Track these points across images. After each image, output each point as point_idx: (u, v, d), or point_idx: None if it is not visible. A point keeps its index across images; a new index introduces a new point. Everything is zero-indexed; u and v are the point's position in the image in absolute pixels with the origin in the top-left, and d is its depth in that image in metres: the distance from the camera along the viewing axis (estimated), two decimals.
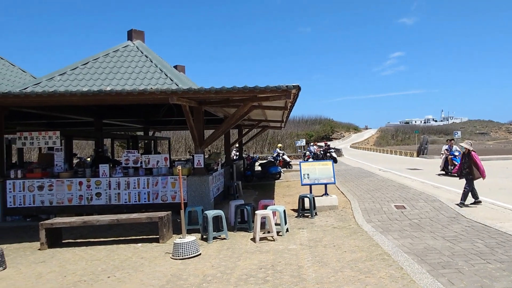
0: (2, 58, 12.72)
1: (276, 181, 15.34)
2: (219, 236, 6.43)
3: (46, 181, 8.10)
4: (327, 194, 9.06)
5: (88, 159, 16.13)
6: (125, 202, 8.15)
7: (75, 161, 12.77)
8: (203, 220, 6.52)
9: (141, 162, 8.34)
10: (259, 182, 15.00)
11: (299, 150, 32.63)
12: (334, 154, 24.89)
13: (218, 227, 6.49)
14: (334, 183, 9.42)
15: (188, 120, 7.79)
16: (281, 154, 21.62)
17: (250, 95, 7.14)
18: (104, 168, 8.17)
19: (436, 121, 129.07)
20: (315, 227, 7.02)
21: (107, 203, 8.12)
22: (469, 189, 8.47)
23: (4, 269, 5.08)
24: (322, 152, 25.01)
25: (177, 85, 8.83)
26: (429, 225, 6.77)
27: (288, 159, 21.89)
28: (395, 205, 8.52)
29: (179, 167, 6.04)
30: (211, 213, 6.33)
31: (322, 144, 28.24)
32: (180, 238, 5.48)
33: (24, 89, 8.59)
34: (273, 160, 20.56)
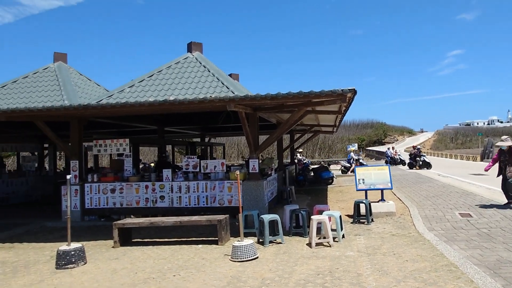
0: (81, 74, 14.29)
1: (328, 186, 15.17)
2: (275, 240, 6.53)
3: (117, 185, 8.87)
4: (384, 200, 8.79)
5: (152, 164, 17.29)
6: (185, 205, 8.63)
7: (140, 166, 13.78)
8: (259, 224, 6.68)
9: (199, 167, 8.79)
10: (311, 187, 14.92)
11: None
12: (427, 159, 21.52)
13: (273, 231, 6.61)
14: (391, 189, 9.11)
15: (244, 126, 8.05)
16: (355, 158, 21.05)
17: (305, 100, 7.20)
18: (167, 172, 8.75)
19: (501, 122, 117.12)
20: (372, 234, 6.86)
21: (170, 205, 8.67)
22: None
23: (85, 264, 5.67)
24: (411, 157, 21.82)
25: (233, 93, 9.19)
26: (501, 235, 6.27)
27: (365, 162, 21.28)
28: (459, 213, 8.01)
29: (237, 172, 6.27)
30: (267, 217, 6.47)
31: (385, 147, 27.00)
32: (239, 241, 5.66)
33: (100, 101, 9.54)
34: (347, 163, 20.10)
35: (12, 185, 13.26)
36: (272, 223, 6.61)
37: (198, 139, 19.15)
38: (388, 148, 26.95)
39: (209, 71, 10.52)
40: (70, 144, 9.06)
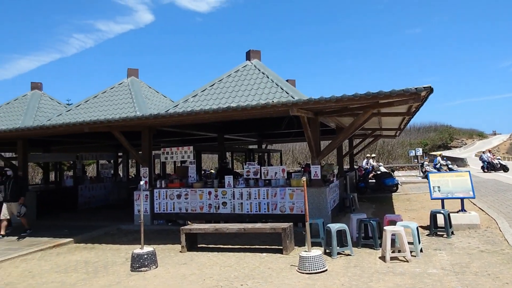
0: (150, 87, 15.50)
1: (393, 194, 14.25)
2: (343, 251, 6.17)
3: (183, 191, 9.14)
4: (464, 210, 7.92)
5: (212, 170, 17.78)
6: (247, 211, 8.58)
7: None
8: (326, 233, 6.37)
9: (260, 174, 8.71)
10: (374, 195, 14.15)
11: (415, 160, 29.47)
12: None
13: (341, 242, 6.25)
14: (473, 197, 8.18)
15: (306, 131, 7.83)
16: (443, 163, 19.29)
17: (372, 101, 6.77)
18: (229, 179, 8.81)
19: None
20: (455, 249, 6.16)
21: (232, 212, 8.70)
22: None
23: (156, 268, 5.82)
24: None
25: (293, 98, 9.02)
26: None
27: (454, 168, 19.43)
28: None
29: (304, 178, 6.04)
30: (334, 227, 6.14)
31: (451, 151, 24.12)
32: (305, 251, 5.42)
33: (167, 110, 10.03)
34: (435, 169, 18.63)
35: (93, 190, 14.78)
36: (340, 233, 6.26)
37: (255, 146, 19.26)
38: (484, 152, 22.77)
39: (268, 77, 10.50)
40: (141, 152, 9.61)
